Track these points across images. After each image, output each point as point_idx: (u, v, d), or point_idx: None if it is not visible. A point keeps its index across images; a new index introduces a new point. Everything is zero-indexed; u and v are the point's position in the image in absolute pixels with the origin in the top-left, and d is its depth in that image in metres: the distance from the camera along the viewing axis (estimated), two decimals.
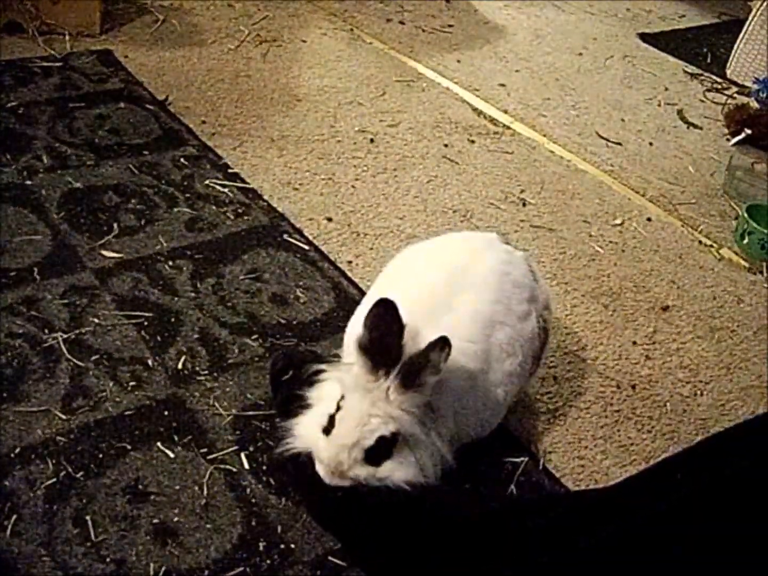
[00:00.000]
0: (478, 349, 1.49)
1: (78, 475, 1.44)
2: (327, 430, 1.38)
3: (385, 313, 1.33)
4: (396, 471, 1.37)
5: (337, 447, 1.35)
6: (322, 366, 1.49)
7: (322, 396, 1.45)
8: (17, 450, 1.47)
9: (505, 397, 1.55)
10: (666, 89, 3.36)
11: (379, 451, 1.36)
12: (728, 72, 3.53)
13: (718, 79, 3.51)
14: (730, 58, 3.53)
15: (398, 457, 1.37)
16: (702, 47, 3.82)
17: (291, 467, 1.48)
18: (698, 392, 1.89)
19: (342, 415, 1.36)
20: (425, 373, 1.32)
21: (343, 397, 1.38)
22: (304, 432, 1.43)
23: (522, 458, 1.63)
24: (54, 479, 1.43)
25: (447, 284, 1.51)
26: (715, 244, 2.42)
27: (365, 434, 1.34)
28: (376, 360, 1.34)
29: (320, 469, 1.38)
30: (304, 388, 1.49)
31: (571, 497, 1.51)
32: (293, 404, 1.49)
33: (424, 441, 1.39)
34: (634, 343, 1.99)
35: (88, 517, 1.38)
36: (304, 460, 1.42)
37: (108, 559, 1.33)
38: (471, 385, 1.48)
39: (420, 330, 1.38)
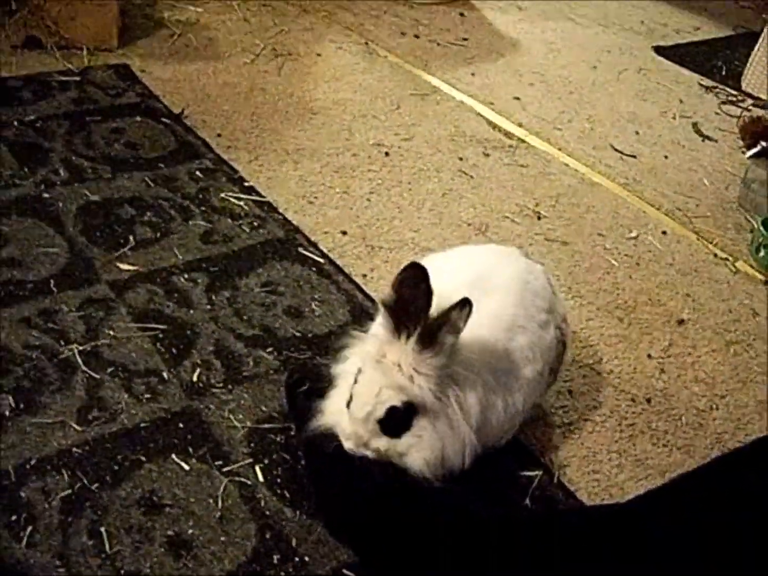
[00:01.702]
0: (502, 350, 1.49)
1: (93, 487, 1.45)
2: (349, 403, 1.40)
3: (414, 276, 1.33)
4: (414, 447, 1.37)
5: (353, 421, 1.37)
6: (347, 340, 1.49)
7: (345, 370, 1.47)
8: (33, 461, 1.47)
9: (523, 405, 1.54)
10: (681, 102, 3.36)
11: (395, 423, 1.36)
12: (743, 84, 3.52)
13: (734, 92, 3.50)
14: (745, 71, 3.52)
15: (418, 429, 1.37)
16: (717, 60, 3.81)
17: (306, 451, 1.48)
18: (714, 406, 1.88)
19: (356, 389, 1.38)
20: (444, 331, 1.31)
21: (360, 370, 1.38)
22: (330, 408, 1.45)
23: (537, 472, 1.62)
24: (69, 491, 1.43)
25: (470, 288, 1.50)
26: (730, 258, 2.41)
27: (376, 406, 1.35)
28: (399, 321, 1.33)
29: (345, 443, 1.40)
30: (318, 401, 1.49)
31: (586, 512, 1.50)
32: (308, 416, 1.49)
33: (445, 412, 1.38)
34: (650, 356, 1.99)
35: (102, 529, 1.38)
36: (320, 442, 1.43)
37: (122, 571, 1.33)
38: (496, 383, 1.47)
39: None
